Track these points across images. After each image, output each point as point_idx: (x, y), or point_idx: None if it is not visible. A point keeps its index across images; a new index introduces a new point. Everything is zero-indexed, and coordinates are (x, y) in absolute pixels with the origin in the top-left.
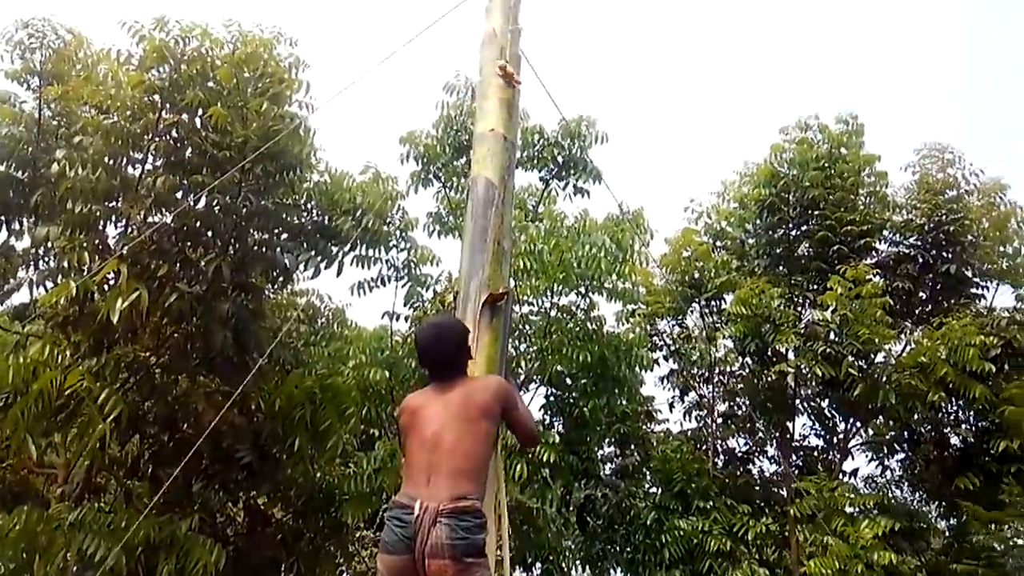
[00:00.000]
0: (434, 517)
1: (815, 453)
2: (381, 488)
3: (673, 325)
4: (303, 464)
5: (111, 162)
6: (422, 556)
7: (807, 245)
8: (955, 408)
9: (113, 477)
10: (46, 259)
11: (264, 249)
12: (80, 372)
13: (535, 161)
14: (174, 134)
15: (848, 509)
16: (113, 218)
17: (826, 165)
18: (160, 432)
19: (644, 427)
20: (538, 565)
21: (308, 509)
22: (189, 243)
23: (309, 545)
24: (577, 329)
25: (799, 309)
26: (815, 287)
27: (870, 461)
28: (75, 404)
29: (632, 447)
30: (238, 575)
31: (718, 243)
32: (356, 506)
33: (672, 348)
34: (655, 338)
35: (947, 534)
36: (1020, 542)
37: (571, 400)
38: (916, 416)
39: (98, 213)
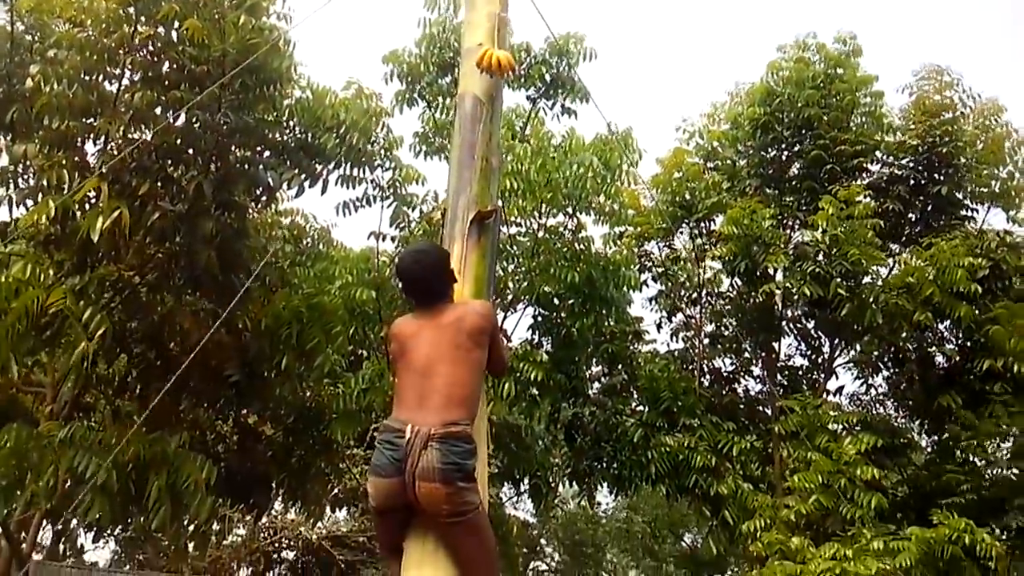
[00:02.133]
0: (425, 441)
1: (800, 372)
2: (370, 407)
3: (662, 247)
4: (291, 382)
5: (87, 77)
6: (412, 479)
7: (800, 165)
8: (941, 328)
9: (101, 395)
10: (25, 177)
11: (246, 166)
12: (63, 291)
13: (522, 80)
14: (150, 48)
15: (832, 426)
16: (91, 135)
17: (822, 84)
18: (147, 351)
19: (632, 347)
20: (526, 481)
21: (298, 427)
22: (170, 161)
23: (299, 462)
24: (565, 250)
25: (789, 230)
26: (806, 208)
27: (855, 380)
28: (59, 323)
29: (619, 366)
30: (230, 491)
31: (709, 164)
32: (345, 424)
33: (660, 270)
34: (643, 259)
35: (929, 450)
36: (1000, 456)
37: (559, 320)
38: (902, 336)
39: (76, 130)
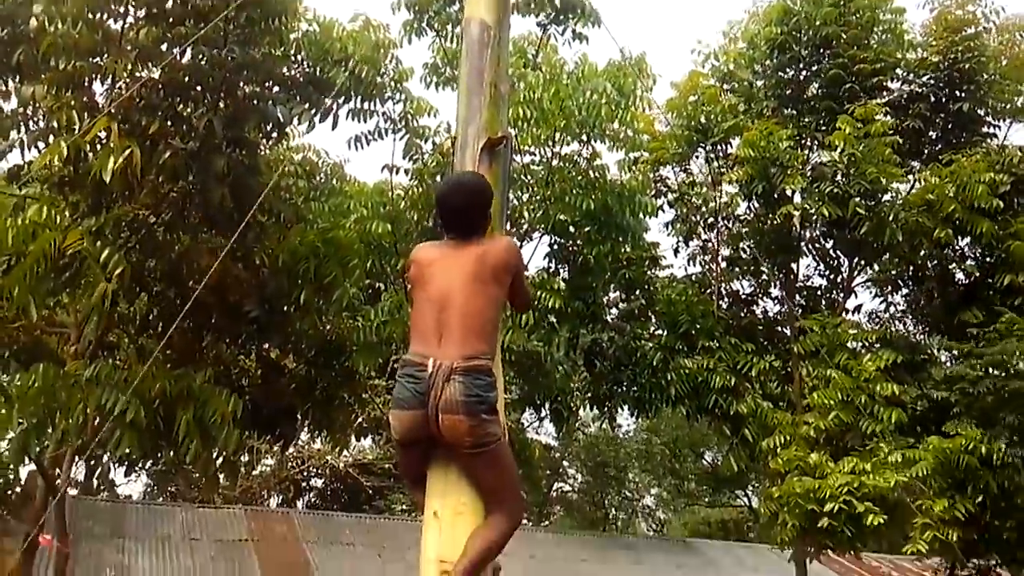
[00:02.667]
0: (448, 374)
1: (818, 292)
2: (390, 338)
3: (678, 171)
4: (311, 316)
5: (91, 16)
6: (435, 411)
7: (817, 85)
8: (961, 244)
9: (124, 334)
10: (35, 120)
11: (255, 102)
12: (79, 232)
13: (531, 6)
14: None
15: (851, 344)
16: (98, 75)
17: (841, 2)
18: (166, 289)
19: (649, 272)
20: (547, 406)
21: (320, 359)
22: (178, 98)
23: (323, 393)
24: (579, 178)
25: (807, 151)
26: (824, 128)
27: (874, 298)
28: (78, 264)
29: (637, 292)
30: (256, 423)
31: (725, 86)
32: (366, 355)
33: (676, 195)
34: (659, 185)
35: (948, 365)
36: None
37: (575, 248)
38: (922, 253)
39: (83, 70)
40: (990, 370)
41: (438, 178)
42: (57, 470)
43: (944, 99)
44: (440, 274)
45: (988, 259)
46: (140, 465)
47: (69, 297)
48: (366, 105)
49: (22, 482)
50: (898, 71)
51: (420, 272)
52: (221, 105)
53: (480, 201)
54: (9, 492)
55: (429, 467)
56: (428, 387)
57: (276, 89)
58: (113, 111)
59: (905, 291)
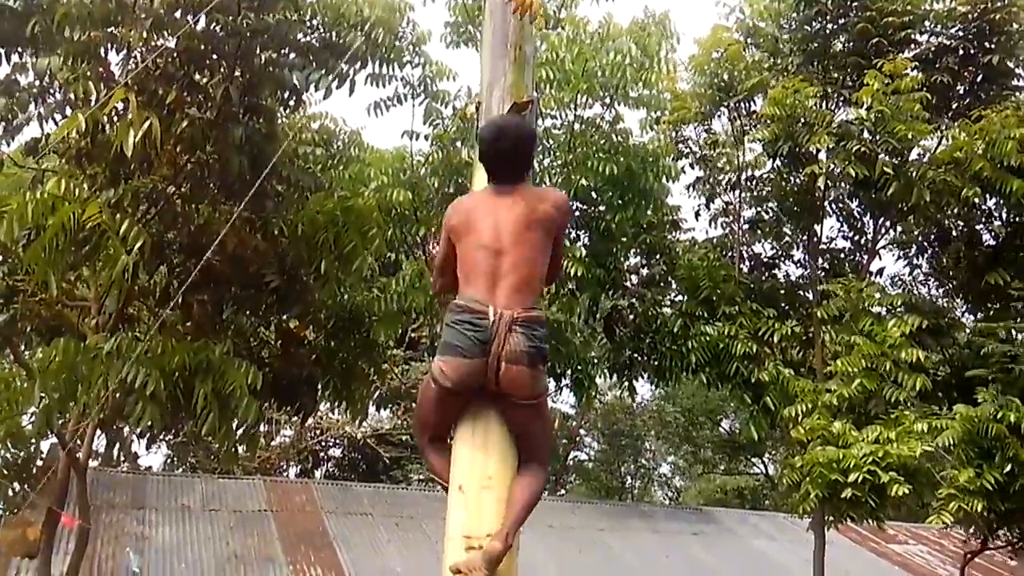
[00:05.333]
0: (510, 324)
1: (842, 255)
2: (410, 308)
3: (700, 131)
4: (331, 286)
5: None
6: (497, 360)
7: (844, 39)
8: (989, 204)
9: (145, 307)
10: (51, 92)
11: (271, 69)
12: (98, 205)
13: None
14: None
15: (875, 309)
16: (113, 45)
17: None
18: (186, 261)
19: (670, 236)
20: (568, 374)
21: (339, 330)
22: (194, 67)
23: (342, 364)
24: (602, 142)
25: (834, 108)
26: (851, 84)
27: (897, 260)
28: (97, 237)
29: (658, 257)
30: (276, 394)
31: (749, 40)
32: (387, 325)
33: (699, 155)
34: (681, 145)
35: (972, 329)
36: None
37: (597, 213)
38: (949, 213)
39: (98, 40)
40: (1014, 334)
41: (459, 144)
42: (78, 443)
43: (973, 51)
44: (487, 218)
45: (1017, 219)
46: (160, 437)
47: (89, 270)
48: (384, 70)
49: (43, 455)
50: (926, 23)
51: (466, 219)
52: (237, 73)
53: (527, 146)
54: (31, 466)
55: (457, 430)
56: (491, 336)
57: (292, 56)
58: (129, 82)
59: (929, 253)
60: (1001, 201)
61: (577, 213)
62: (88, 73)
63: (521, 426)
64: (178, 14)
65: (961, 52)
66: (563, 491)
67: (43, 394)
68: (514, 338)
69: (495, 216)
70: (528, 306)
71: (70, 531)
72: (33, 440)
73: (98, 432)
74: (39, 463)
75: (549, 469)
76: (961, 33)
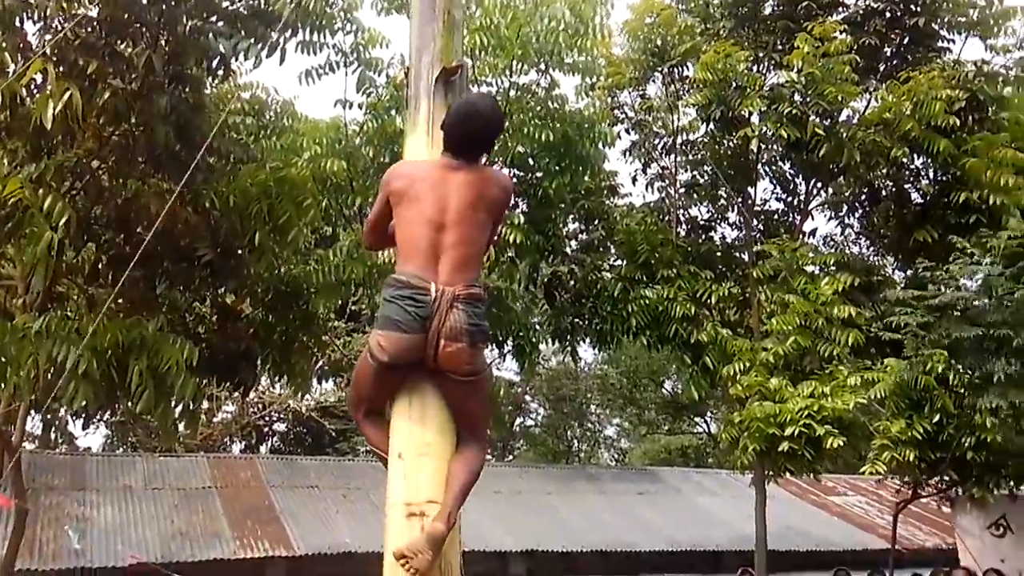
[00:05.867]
0: (451, 301)
1: (776, 216)
2: (349, 279)
3: (635, 96)
4: (267, 258)
5: None
6: (436, 336)
7: (774, 2)
8: (917, 164)
9: (74, 284)
10: None
11: (197, 36)
12: (19, 180)
13: None
14: None
15: (809, 268)
16: (29, 14)
17: None
18: (115, 236)
19: (608, 202)
20: (509, 342)
21: (277, 303)
22: (116, 36)
23: (282, 337)
24: (538, 108)
25: (765, 71)
26: (781, 48)
27: (829, 220)
28: (20, 214)
29: (596, 222)
30: (214, 370)
31: (682, 6)
32: (325, 297)
33: (634, 120)
34: (616, 111)
35: (902, 285)
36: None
37: (534, 180)
38: (879, 173)
39: (13, 8)
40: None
41: (392, 112)
42: (11, 426)
43: (900, 14)
44: (434, 191)
45: (944, 177)
46: (97, 417)
47: (14, 248)
48: (315, 37)
49: None
50: None
51: (412, 187)
52: (161, 41)
53: (496, 132)
54: None
55: (394, 404)
56: (431, 312)
57: (219, 23)
58: (48, 52)
59: (860, 213)
60: (929, 160)
61: (514, 180)
62: (3, 44)
63: (459, 403)
64: None
65: (888, 15)
66: (511, 457)
67: None
68: (455, 315)
69: (443, 191)
70: (469, 283)
71: (7, 512)
72: None
73: (31, 414)
74: None
75: (487, 445)
76: None
